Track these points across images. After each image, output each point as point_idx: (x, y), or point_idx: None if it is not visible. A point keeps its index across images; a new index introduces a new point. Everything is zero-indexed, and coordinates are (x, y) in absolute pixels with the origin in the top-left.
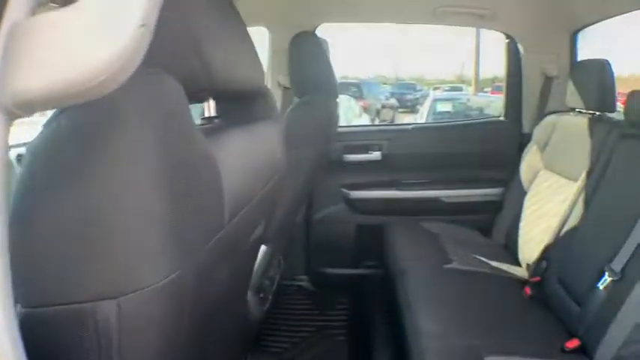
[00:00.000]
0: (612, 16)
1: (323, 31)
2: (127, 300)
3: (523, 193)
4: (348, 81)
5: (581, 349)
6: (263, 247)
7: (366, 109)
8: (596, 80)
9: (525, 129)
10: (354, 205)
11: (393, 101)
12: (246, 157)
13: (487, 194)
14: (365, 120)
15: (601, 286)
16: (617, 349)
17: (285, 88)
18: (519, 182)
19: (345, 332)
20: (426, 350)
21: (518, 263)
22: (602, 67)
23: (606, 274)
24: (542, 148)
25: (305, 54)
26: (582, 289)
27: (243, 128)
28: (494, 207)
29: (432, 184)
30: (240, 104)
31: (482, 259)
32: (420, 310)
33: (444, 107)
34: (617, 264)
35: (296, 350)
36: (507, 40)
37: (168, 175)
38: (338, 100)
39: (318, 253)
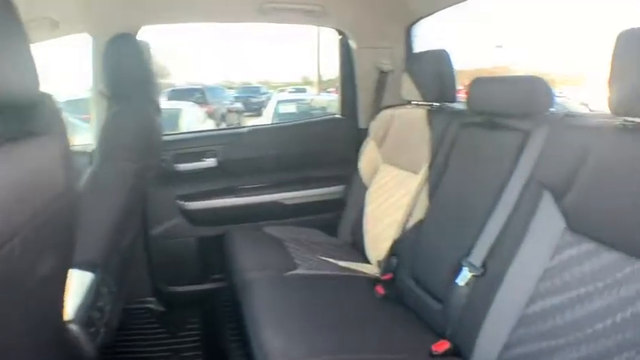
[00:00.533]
0: (446, 7)
1: (168, 35)
2: None
3: (365, 189)
4: (192, 87)
5: (454, 352)
6: (88, 276)
7: (211, 115)
8: (434, 71)
9: (362, 125)
10: (193, 216)
11: (238, 105)
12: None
13: (329, 193)
14: (210, 126)
15: (461, 282)
16: (499, 353)
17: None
18: (360, 178)
19: (200, 353)
20: None
21: (367, 261)
22: (440, 57)
23: (465, 269)
24: (380, 142)
25: (121, 58)
26: (440, 285)
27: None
28: (337, 205)
29: (272, 188)
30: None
31: (330, 260)
32: (265, 324)
33: (287, 109)
34: (476, 258)
35: None
36: (340, 37)
37: None
38: (163, 106)
39: (162, 271)
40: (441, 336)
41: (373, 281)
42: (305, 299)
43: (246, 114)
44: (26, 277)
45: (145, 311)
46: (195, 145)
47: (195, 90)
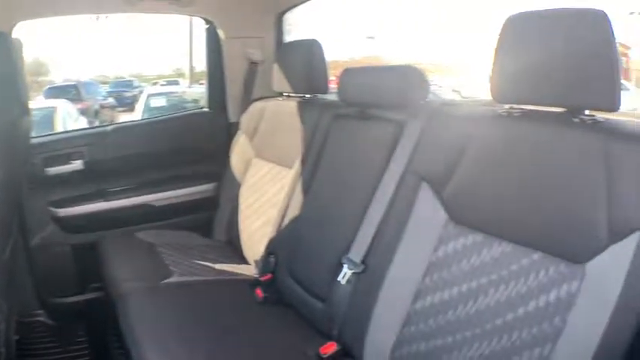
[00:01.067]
0: None
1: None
2: None
3: (238, 186)
4: (67, 84)
5: (344, 353)
6: None
7: (84, 112)
8: (304, 61)
9: (232, 118)
10: (65, 223)
11: (111, 101)
12: None
13: (201, 191)
14: (83, 124)
15: (342, 280)
16: (390, 351)
17: None
18: (232, 174)
19: None
20: None
21: (245, 261)
22: (310, 48)
23: (345, 266)
24: (252, 136)
25: None
26: (321, 284)
27: None
28: (210, 204)
29: (141, 189)
30: None
31: (206, 263)
32: (142, 340)
33: (158, 102)
34: (356, 255)
35: None
36: (207, 26)
37: None
38: (37, 105)
39: (46, 282)
40: (328, 337)
41: (253, 283)
42: (181, 309)
43: (119, 109)
44: None
45: (38, 324)
46: (64, 146)
47: (70, 87)
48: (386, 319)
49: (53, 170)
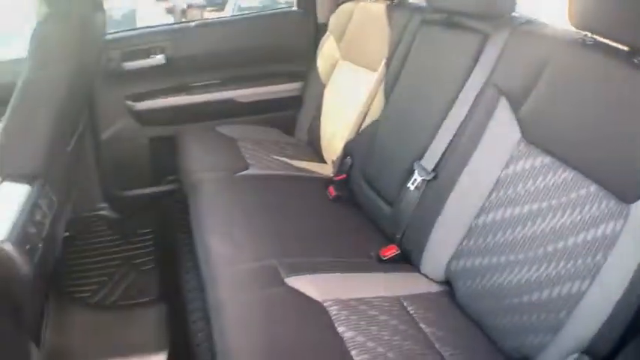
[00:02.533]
0: None
1: None
2: None
3: (322, 87)
4: None
5: (403, 258)
6: (24, 189)
7: (171, 11)
8: None
9: (321, 19)
10: (143, 117)
11: (199, 0)
12: None
13: (285, 90)
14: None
15: (412, 185)
16: (447, 263)
17: None
18: (318, 75)
19: (152, 259)
20: (217, 277)
21: (323, 161)
22: None
23: (416, 172)
24: (339, 38)
25: None
26: (391, 188)
27: None
28: (294, 103)
29: (225, 85)
30: None
31: (284, 159)
32: (211, 229)
33: (249, 2)
34: (428, 162)
35: (104, 291)
36: None
37: None
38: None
39: (114, 175)
40: (390, 241)
41: (327, 182)
42: (254, 201)
43: (209, 9)
44: None
45: (98, 218)
46: (144, 41)
47: None
48: (448, 229)
49: (131, 65)
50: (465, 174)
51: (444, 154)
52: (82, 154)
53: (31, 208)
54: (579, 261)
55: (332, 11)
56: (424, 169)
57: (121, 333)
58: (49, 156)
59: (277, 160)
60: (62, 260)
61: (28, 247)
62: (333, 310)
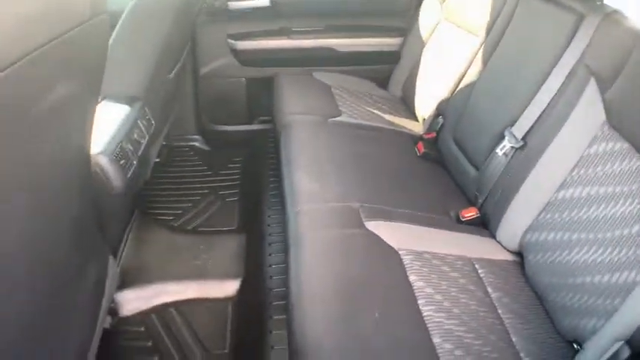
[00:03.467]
0: None
1: None
2: None
3: (422, 45)
4: None
5: (481, 222)
6: (125, 108)
7: None
8: None
9: None
10: (243, 56)
11: None
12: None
13: (385, 44)
14: None
15: (500, 151)
16: (523, 233)
17: None
18: (418, 32)
19: (237, 192)
20: (301, 211)
21: (415, 118)
22: None
23: (507, 138)
24: None
25: None
26: (479, 152)
27: None
28: (391, 58)
29: (326, 33)
30: None
31: (375, 111)
32: (299, 166)
33: None
34: (518, 130)
35: (186, 216)
36: None
37: None
38: None
39: (210, 110)
40: (472, 203)
41: (416, 139)
42: (343, 147)
43: None
44: (33, 103)
45: (189, 149)
46: None
47: None
48: (528, 200)
49: (236, 4)
50: (552, 146)
51: (533, 124)
52: (181, 85)
53: (130, 127)
54: (638, 251)
55: None
56: (514, 136)
57: (199, 257)
58: (150, 81)
59: (369, 111)
60: (150, 183)
61: (122, 162)
62: (406, 259)
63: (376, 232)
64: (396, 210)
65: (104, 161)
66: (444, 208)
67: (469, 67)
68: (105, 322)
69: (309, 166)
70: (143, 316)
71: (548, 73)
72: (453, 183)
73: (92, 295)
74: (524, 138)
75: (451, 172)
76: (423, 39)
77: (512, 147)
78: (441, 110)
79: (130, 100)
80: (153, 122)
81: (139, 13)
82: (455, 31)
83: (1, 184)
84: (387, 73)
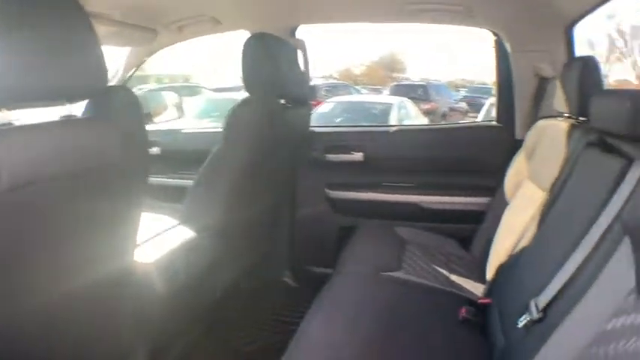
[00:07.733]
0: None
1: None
2: None
3: (505, 205)
4: (415, 83)
5: None
6: (189, 233)
7: (430, 112)
8: (578, 80)
9: (519, 135)
10: (335, 204)
11: (462, 105)
12: (35, 141)
13: (470, 203)
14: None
15: (520, 323)
16: None
17: None
18: (503, 193)
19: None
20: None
21: (484, 281)
22: (584, 65)
23: (528, 311)
24: (529, 155)
25: (251, 54)
26: (508, 323)
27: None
28: (477, 217)
29: (413, 189)
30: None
31: (443, 271)
32: (318, 315)
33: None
34: (542, 301)
35: (257, 343)
36: (495, 38)
37: None
38: (375, 100)
39: (301, 250)
40: None
41: (467, 302)
42: (379, 301)
43: (470, 114)
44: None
45: (279, 284)
46: (345, 138)
47: (418, 86)
48: None
49: (333, 157)
50: (568, 320)
51: (556, 294)
52: (279, 224)
53: (187, 249)
54: None
55: (528, 127)
56: (536, 307)
57: None
58: (224, 213)
59: (435, 269)
60: (223, 304)
61: (170, 274)
62: None
63: None
64: None
65: (149, 268)
66: None
67: (527, 228)
68: None
69: (329, 316)
70: None
71: (586, 232)
72: (485, 352)
73: None
74: (544, 309)
75: (488, 340)
76: (507, 199)
77: (531, 320)
78: (498, 275)
79: (199, 228)
80: (224, 251)
81: (218, 156)
82: (533, 190)
83: None
84: (472, 232)
